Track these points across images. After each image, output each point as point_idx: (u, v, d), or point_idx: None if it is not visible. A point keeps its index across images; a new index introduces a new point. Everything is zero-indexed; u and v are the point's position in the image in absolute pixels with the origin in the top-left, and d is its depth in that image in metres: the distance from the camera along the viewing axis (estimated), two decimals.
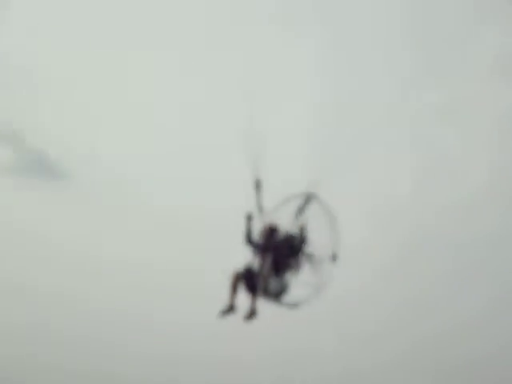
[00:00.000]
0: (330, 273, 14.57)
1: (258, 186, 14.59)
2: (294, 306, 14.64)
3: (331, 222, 14.66)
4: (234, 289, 14.76)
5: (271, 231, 14.79)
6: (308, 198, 14.94)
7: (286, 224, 14.84)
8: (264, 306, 14.73)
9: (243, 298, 14.73)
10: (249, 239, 14.74)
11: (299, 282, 14.70)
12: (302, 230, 14.88)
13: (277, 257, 14.63)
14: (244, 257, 14.72)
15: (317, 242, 14.76)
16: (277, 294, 14.62)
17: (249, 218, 14.74)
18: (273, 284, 14.58)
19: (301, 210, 14.93)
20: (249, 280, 14.69)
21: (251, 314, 14.77)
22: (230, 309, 14.75)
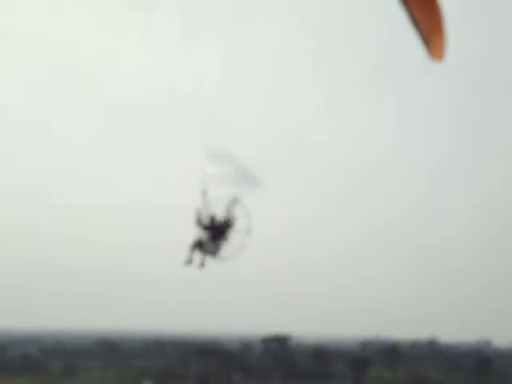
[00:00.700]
0: (244, 242, 24.41)
1: (204, 193, 24.30)
2: (222, 259, 24.52)
3: (246, 214, 24.46)
4: (192, 250, 24.63)
5: (212, 219, 24.59)
6: (234, 200, 24.69)
7: (221, 215, 24.60)
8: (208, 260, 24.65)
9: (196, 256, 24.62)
10: (199, 223, 24.54)
11: (226, 247, 24.55)
12: (230, 218, 24.69)
13: (214, 233, 24.47)
14: (197, 233, 24.51)
15: (239, 225, 24.56)
16: (213, 253, 24.50)
17: (198, 213, 24.53)
18: (211, 247, 24.45)
19: (229, 207, 24.70)
20: (200, 245, 24.56)
21: (201, 264, 24.67)
22: (190, 262, 24.64)
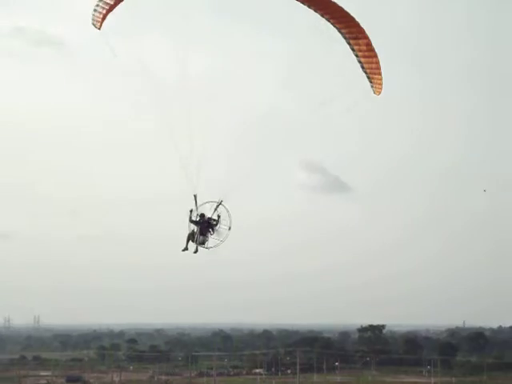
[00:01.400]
0: (226, 235, 30.84)
1: (195, 197, 30.90)
2: (208, 248, 31.02)
3: (228, 213, 30.89)
4: (188, 240, 31.32)
5: (202, 216, 31.17)
6: (219, 202, 31.18)
7: (209, 213, 31.12)
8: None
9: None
10: (191, 220, 31.16)
11: (213, 238, 31.04)
12: (217, 216, 31.19)
13: (203, 227, 31.03)
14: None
15: (223, 222, 30.98)
16: (202, 243, 31.08)
17: (191, 211, 31.17)
18: (200, 238, 31.04)
19: (216, 207, 31.20)
20: (193, 235, 31.18)
21: (195, 251, 31.33)
22: (186, 249, 31.34)
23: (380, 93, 29.47)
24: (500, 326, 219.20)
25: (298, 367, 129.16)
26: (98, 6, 28.14)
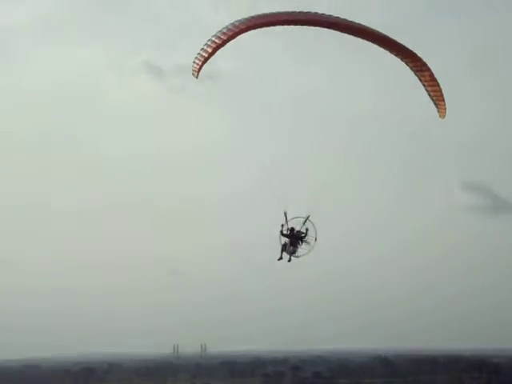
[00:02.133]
0: (313, 246, 35.92)
1: (285, 213, 36.28)
2: (298, 257, 36.18)
3: (314, 227, 35.99)
4: (282, 251, 36.71)
5: (292, 229, 36.46)
6: (307, 217, 36.35)
7: (298, 227, 36.36)
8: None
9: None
10: (282, 233, 36.52)
11: (302, 248, 36.20)
12: (305, 229, 36.37)
13: (293, 240, 36.30)
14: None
15: (310, 234, 36.12)
16: (292, 253, 36.31)
17: (282, 226, 36.54)
18: (291, 249, 36.29)
19: (304, 222, 36.39)
20: (285, 246, 36.53)
21: (289, 260, 36.65)
22: (281, 258, 36.73)
23: (444, 116, 33.57)
24: None
25: None
26: (196, 57, 34.09)
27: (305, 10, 30.45)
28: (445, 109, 32.93)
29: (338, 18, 30.64)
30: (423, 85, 32.64)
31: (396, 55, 31.82)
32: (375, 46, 31.55)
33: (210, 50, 31.18)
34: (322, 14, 29.95)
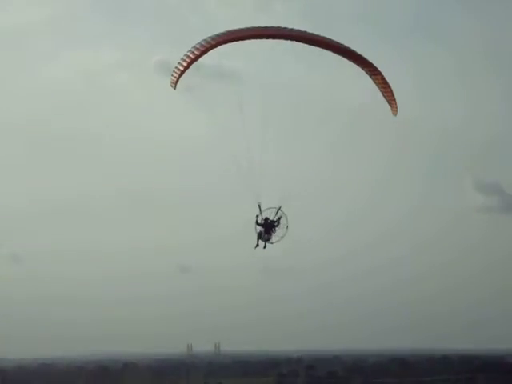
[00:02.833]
0: (285, 233, 40.98)
1: (259, 205, 41.35)
2: (272, 243, 41.26)
3: (284, 216, 41.04)
4: (258, 238, 41.80)
5: (266, 219, 41.52)
6: (279, 208, 41.43)
7: (271, 216, 41.40)
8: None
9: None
10: (257, 223, 41.62)
11: (275, 235, 41.26)
12: (278, 218, 41.44)
13: (267, 228, 41.40)
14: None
15: (282, 222, 41.17)
16: (267, 240, 41.39)
17: (257, 216, 41.62)
18: (266, 236, 41.39)
19: (277, 212, 41.46)
20: (261, 235, 41.64)
21: (264, 247, 41.70)
22: (257, 245, 41.80)
23: (396, 114, 38.54)
24: None
25: None
26: (173, 71, 38.99)
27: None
28: (396, 107, 37.85)
29: (297, 30, 35.64)
30: (377, 86, 37.55)
31: (353, 62, 36.75)
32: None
33: (185, 64, 35.97)
34: (280, 28, 34.98)
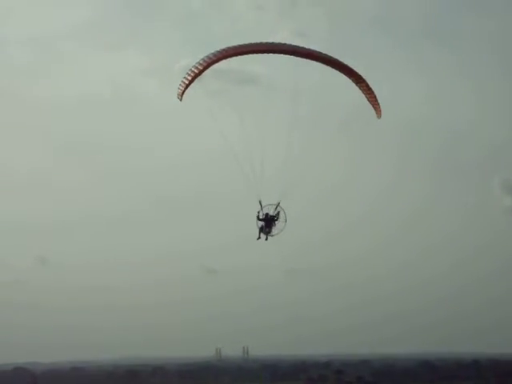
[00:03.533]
0: (284, 226, 46.40)
1: (260, 201, 46.79)
2: (273, 235, 46.69)
3: (282, 211, 46.49)
4: (260, 232, 47.27)
5: (266, 214, 46.95)
6: (278, 204, 46.87)
7: (271, 211, 46.83)
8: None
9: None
10: (258, 218, 47.07)
11: (275, 229, 46.70)
12: (277, 213, 46.88)
13: (268, 222, 46.86)
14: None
15: (281, 216, 46.61)
16: (268, 233, 46.84)
17: (258, 212, 47.07)
18: (267, 230, 46.83)
19: (276, 207, 46.90)
20: (262, 228, 47.11)
21: (266, 239, 47.12)
22: (259, 237, 47.24)
23: (380, 116, 43.81)
24: None
25: None
26: (180, 84, 44.52)
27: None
28: (380, 111, 43.17)
29: (288, 45, 41.09)
30: (362, 93, 42.79)
31: (339, 71, 42.01)
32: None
33: (190, 78, 41.75)
34: (273, 43, 40.52)
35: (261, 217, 46.96)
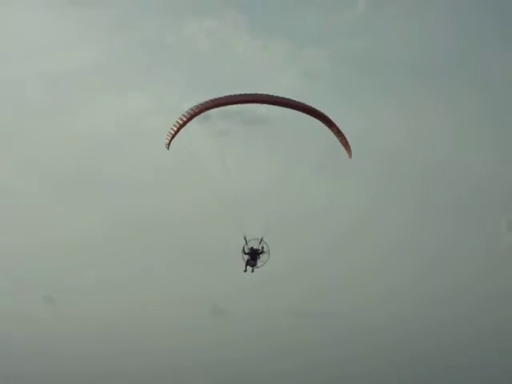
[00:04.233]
0: (267, 259, 50.63)
1: (245, 237, 50.91)
2: (258, 267, 50.85)
3: (266, 245, 50.69)
4: (246, 265, 51.40)
5: (251, 248, 51.11)
6: (261, 239, 51.01)
7: (255, 245, 50.98)
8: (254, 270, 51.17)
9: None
10: (244, 251, 51.22)
11: (260, 261, 50.88)
12: (262, 248, 51.07)
13: (252, 255, 51.04)
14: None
15: (265, 250, 50.81)
16: (253, 266, 51.00)
17: (244, 247, 51.21)
18: (251, 263, 50.99)
19: (260, 242, 51.06)
20: (248, 262, 51.27)
21: (252, 271, 51.25)
22: (245, 270, 51.38)
23: (351, 157, 48.12)
24: None
25: None
26: (167, 134, 48.67)
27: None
28: (350, 151, 47.39)
29: (265, 95, 45.03)
30: (334, 135, 46.98)
31: (311, 116, 45.99)
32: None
33: (175, 129, 45.59)
34: (252, 94, 44.47)
35: (246, 251, 51.12)
